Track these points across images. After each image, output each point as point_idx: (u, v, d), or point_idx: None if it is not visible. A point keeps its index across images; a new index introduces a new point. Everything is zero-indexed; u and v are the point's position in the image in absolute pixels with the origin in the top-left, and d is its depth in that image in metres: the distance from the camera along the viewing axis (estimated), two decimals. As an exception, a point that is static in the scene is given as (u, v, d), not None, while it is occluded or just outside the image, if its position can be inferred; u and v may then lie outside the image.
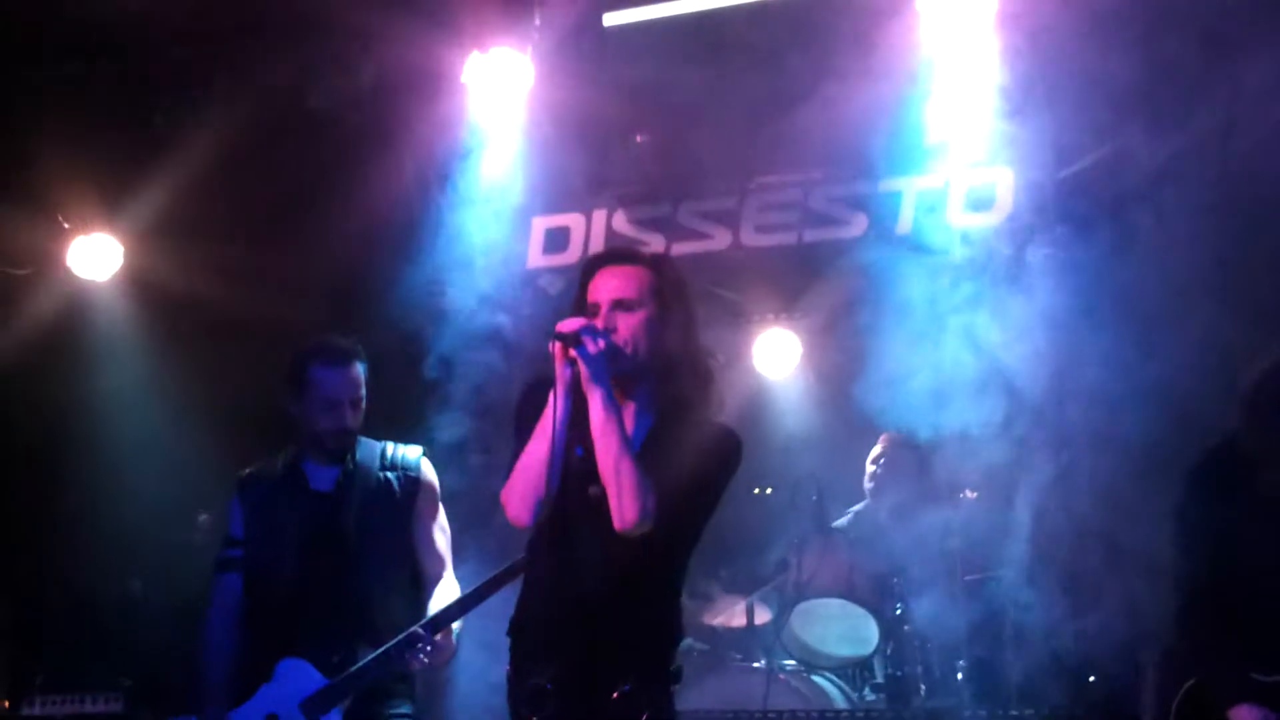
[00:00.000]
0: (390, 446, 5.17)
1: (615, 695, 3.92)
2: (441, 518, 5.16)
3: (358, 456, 5.10)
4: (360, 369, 5.06)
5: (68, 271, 7.38)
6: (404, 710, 4.99)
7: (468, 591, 4.87)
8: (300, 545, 5.01)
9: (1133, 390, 6.24)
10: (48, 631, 6.34)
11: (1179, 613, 4.82)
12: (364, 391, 5.07)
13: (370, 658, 4.83)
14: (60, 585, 6.59)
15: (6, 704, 5.41)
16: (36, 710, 5.93)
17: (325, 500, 5.06)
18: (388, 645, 4.82)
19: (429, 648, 4.82)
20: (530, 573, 4.13)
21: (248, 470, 5.18)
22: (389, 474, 5.09)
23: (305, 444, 5.12)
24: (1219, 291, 6.11)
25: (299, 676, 4.91)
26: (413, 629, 4.83)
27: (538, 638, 4.01)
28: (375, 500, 5.04)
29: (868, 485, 7.68)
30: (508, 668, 4.05)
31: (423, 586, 5.05)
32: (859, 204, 7.28)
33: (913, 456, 7.58)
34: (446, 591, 5.02)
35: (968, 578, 7.20)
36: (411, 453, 5.18)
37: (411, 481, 5.11)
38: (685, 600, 4.18)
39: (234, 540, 5.11)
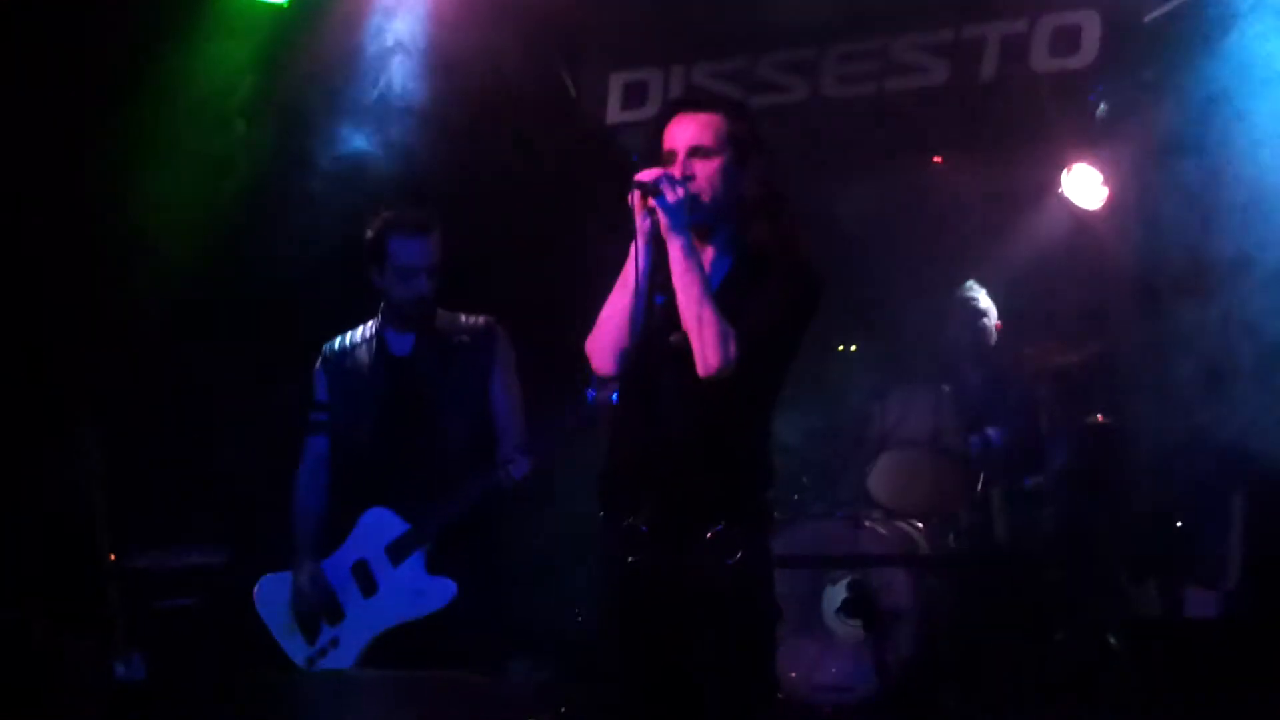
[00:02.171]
0: (464, 315, 5.31)
1: (709, 535, 3.96)
2: (513, 378, 5.29)
3: (435, 323, 5.25)
4: (436, 238, 5.15)
5: None
6: (484, 548, 5.17)
7: (536, 438, 5.12)
8: (380, 406, 5.22)
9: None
10: (149, 484, 6.42)
11: None
12: (439, 259, 5.17)
13: (448, 499, 5.06)
14: (160, 440, 6.66)
15: (113, 556, 5.57)
16: (141, 563, 6.06)
17: (403, 364, 5.24)
18: (464, 483, 5.06)
19: (503, 477, 5.06)
20: (616, 419, 4.17)
21: (331, 339, 5.38)
22: (464, 337, 5.24)
23: (386, 314, 5.29)
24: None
25: (382, 524, 5.15)
26: (487, 467, 5.08)
27: (628, 482, 4.04)
28: (450, 362, 5.21)
29: (966, 336, 7.59)
30: (600, 512, 4.10)
31: (498, 441, 5.21)
32: (941, 51, 7.17)
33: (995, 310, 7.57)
34: (519, 444, 5.19)
35: (1055, 426, 7.22)
36: (485, 319, 5.32)
37: (486, 345, 5.25)
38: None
39: (319, 404, 5.34)
